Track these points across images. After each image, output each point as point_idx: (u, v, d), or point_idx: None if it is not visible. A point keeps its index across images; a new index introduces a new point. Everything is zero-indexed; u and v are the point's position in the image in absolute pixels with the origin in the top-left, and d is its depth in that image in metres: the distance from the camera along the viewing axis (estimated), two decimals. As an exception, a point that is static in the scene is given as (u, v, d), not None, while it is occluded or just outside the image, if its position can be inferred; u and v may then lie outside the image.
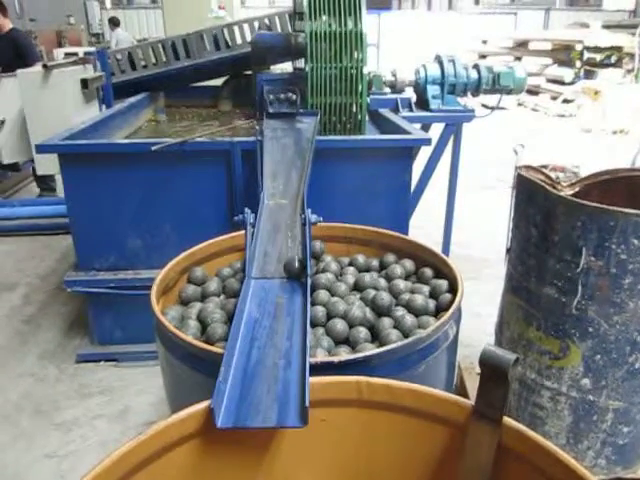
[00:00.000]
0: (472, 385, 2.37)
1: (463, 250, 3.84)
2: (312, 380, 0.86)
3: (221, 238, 1.57)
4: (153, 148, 2.35)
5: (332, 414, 0.87)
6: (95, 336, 2.80)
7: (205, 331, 1.22)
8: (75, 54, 3.49)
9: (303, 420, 0.80)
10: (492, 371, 0.73)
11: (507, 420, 0.77)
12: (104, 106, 3.52)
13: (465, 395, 2.29)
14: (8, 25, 4.85)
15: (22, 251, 4.14)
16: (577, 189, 2.04)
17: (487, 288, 3.09)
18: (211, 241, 1.55)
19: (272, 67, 3.79)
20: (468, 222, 4.31)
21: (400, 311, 1.30)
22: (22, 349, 2.91)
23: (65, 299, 3.33)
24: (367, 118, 2.80)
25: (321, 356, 1.08)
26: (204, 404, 0.81)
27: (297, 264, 1.19)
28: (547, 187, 1.79)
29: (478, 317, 2.70)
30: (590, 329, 1.73)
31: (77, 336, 2.98)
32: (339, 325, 1.22)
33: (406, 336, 1.19)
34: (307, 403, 0.79)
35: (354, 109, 2.58)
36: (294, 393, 0.85)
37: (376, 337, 1.24)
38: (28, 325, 3.14)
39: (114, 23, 11.03)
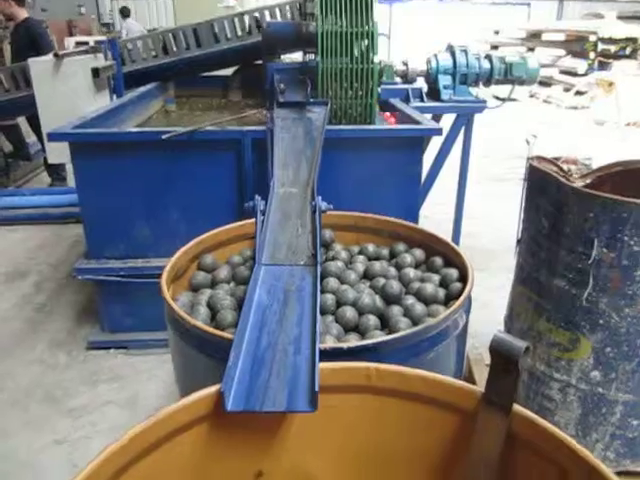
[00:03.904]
0: (481, 376, 2.37)
1: (472, 241, 3.82)
2: (321, 366, 0.86)
3: (231, 226, 1.57)
4: (163, 137, 2.35)
5: (341, 400, 0.87)
6: (105, 324, 2.83)
7: (215, 317, 1.23)
8: (86, 43, 3.49)
9: (313, 405, 0.80)
10: (502, 358, 0.73)
11: (517, 407, 0.77)
12: (115, 95, 3.53)
13: (473, 384, 2.28)
14: (24, 14, 4.86)
15: (33, 240, 4.17)
16: (589, 180, 2.02)
17: (496, 280, 3.08)
18: (221, 229, 1.55)
19: (282, 57, 3.78)
20: (478, 214, 4.29)
21: (410, 299, 1.30)
22: (33, 336, 2.94)
23: (76, 287, 3.36)
24: (377, 108, 2.78)
25: (331, 342, 1.09)
26: (214, 388, 0.81)
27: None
28: (559, 178, 1.77)
29: (487, 308, 2.69)
30: (601, 321, 1.72)
31: (87, 324, 3.01)
32: (349, 312, 1.22)
33: (416, 324, 1.19)
34: (317, 388, 0.79)
35: (365, 99, 2.57)
36: (304, 378, 0.85)
37: (385, 325, 1.24)
38: (39, 313, 3.17)
39: (124, 13, 11.03)
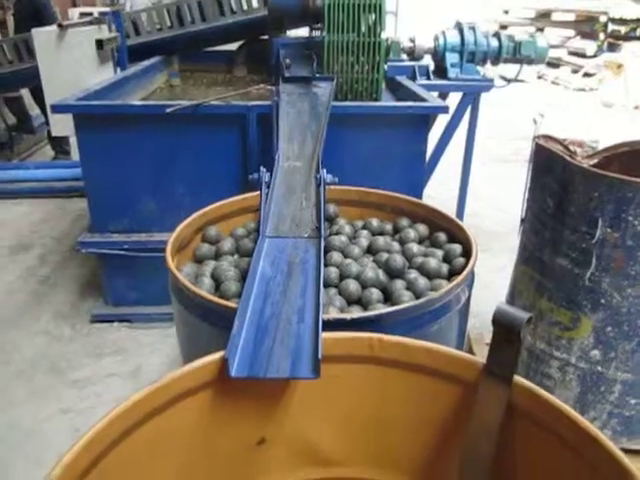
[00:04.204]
0: (481, 355, 2.39)
1: (476, 221, 3.82)
2: (324, 335, 0.86)
3: (235, 198, 1.57)
4: (168, 110, 2.34)
5: (344, 370, 0.88)
6: (109, 297, 2.84)
7: (219, 288, 1.24)
8: (90, 14, 3.45)
9: (316, 372, 0.81)
10: (505, 329, 0.73)
11: (517, 378, 0.77)
12: (118, 68, 3.50)
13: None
14: (27, -15, 4.80)
15: (37, 213, 4.18)
16: (596, 160, 2.01)
17: (498, 260, 3.08)
18: (225, 201, 1.55)
19: (288, 32, 3.73)
20: (482, 194, 4.27)
21: (413, 273, 1.30)
22: (37, 308, 2.97)
23: (79, 261, 3.38)
24: (383, 85, 2.76)
25: (334, 314, 1.09)
26: (218, 355, 0.82)
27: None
28: (565, 157, 1.76)
29: (489, 289, 2.70)
30: (602, 301, 1.72)
31: (91, 297, 3.03)
32: (352, 285, 1.22)
33: (419, 298, 1.19)
34: (320, 355, 0.80)
35: (371, 75, 2.54)
36: (307, 347, 0.86)
37: (388, 298, 1.25)
38: (43, 285, 3.19)
39: (129, -15, 10.86)
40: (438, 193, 3.97)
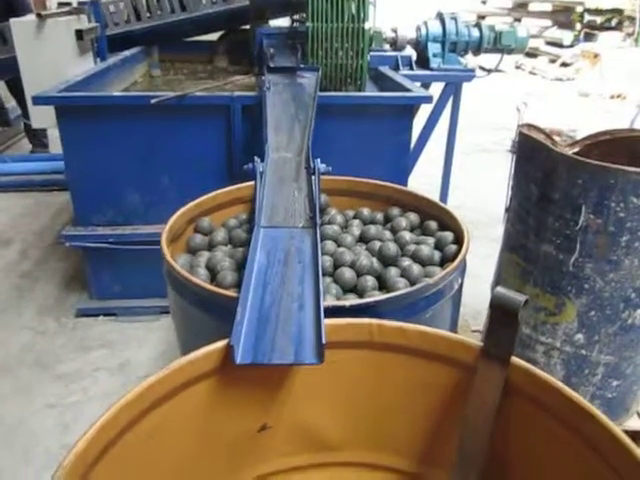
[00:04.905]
0: (466, 341, 2.43)
1: (457, 212, 3.86)
2: (325, 322, 0.88)
3: (228, 189, 1.57)
4: (152, 101, 2.32)
5: (344, 355, 0.90)
6: (93, 291, 2.82)
7: (214, 279, 1.24)
8: (69, 4, 3.39)
9: (320, 357, 0.83)
10: (502, 312, 0.75)
11: (514, 359, 0.80)
12: (99, 59, 3.44)
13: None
14: (-3, -26, 4.68)
15: (16, 208, 4.10)
16: (577, 149, 2.05)
17: (481, 250, 3.12)
18: (218, 192, 1.55)
19: (270, 22, 3.71)
20: (463, 184, 4.31)
21: (406, 261, 1.32)
22: (20, 303, 2.93)
23: (62, 255, 3.33)
24: (367, 76, 2.76)
25: (331, 301, 1.11)
26: (221, 343, 0.83)
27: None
28: (549, 145, 1.79)
29: (473, 277, 2.74)
30: (586, 286, 1.77)
31: (75, 291, 2.99)
32: (347, 274, 1.24)
33: (413, 285, 1.21)
34: (324, 340, 0.82)
35: (355, 60, 2.55)
36: (309, 333, 0.87)
37: (383, 286, 1.27)
38: (25, 280, 3.14)
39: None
40: (420, 184, 3.99)
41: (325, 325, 0.86)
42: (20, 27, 2.76)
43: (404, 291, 1.07)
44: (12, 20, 2.83)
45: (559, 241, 1.78)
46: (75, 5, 3.33)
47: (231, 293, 1.03)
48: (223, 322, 0.92)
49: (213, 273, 1.26)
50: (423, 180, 4.00)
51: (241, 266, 1.20)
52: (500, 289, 0.75)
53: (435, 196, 3.56)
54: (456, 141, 3.47)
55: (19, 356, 2.54)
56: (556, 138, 2.01)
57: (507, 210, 2.12)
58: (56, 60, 2.82)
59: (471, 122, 5.97)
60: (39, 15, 2.75)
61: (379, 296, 1.06)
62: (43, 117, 2.74)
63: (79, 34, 2.92)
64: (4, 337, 2.66)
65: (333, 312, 0.97)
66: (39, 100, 2.38)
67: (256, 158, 1.39)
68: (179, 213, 1.40)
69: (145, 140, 2.50)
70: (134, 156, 2.53)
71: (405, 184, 2.64)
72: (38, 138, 4.96)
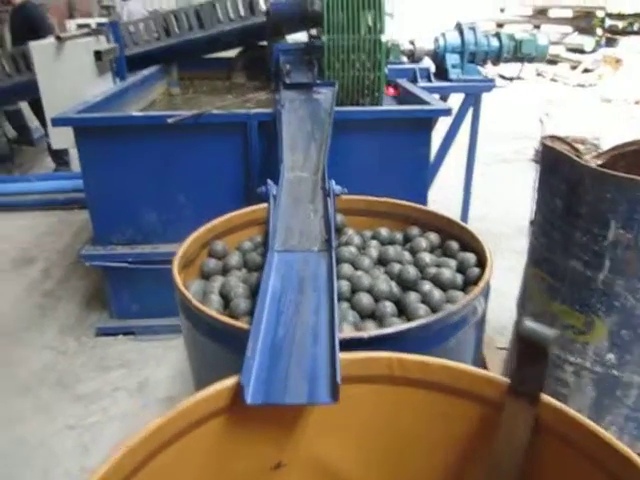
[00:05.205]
0: (491, 357, 2.36)
1: (480, 224, 3.78)
2: (342, 356, 0.83)
3: (243, 211, 1.54)
4: (169, 120, 2.31)
5: (362, 390, 0.85)
6: (113, 310, 2.82)
7: (228, 305, 1.21)
8: (87, 25, 3.43)
9: (334, 396, 0.78)
10: (531, 347, 0.70)
11: (544, 397, 0.75)
12: (117, 79, 3.48)
13: (484, 368, 2.27)
14: (20, -3, 4.80)
15: (40, 226, 4.16)
16: (603, 160, 1.98)
17: (505, 262, 3.04)
18: (232, 214, 1.52)
19: (287, 37, 3.71)
20: (484, 195, 4.24)
21: (427, 285, 1.27)
22: (42, 322, 2.95)
23: (83, 273, 3.35)
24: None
25: (348, 330, 1.06)
26: (232, 380, 0.80)
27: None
28: (574, 157, 1.73)
29: (497, 291, 2.67)
30: (616, 303, 1.69)
31: (96, 310, 3.00)
32: (365, 299, 1.19)
33: (434, 311, 1.16)
34: (338, 379, 0.77)
35: (372, 82, 2.52)
36: (324, 369, 0.83)
37: (403, 312, 1.22)
38: (48, 299, 3.17)
39: (125, -5, 10.86)
40: (440, 196, 3.93)
41: (342, 359, 0.82)
42: (39, 50, 2.81)
43: (425, 320, 1.02)
44: (31, 43, 2.88)
45: (587, 257, 1.71)
46: (94, 26, 3.37)
47: (244, 325, 0.99)
48: (236, 353, 0.88)
49: (227, 300, 1.23)
50: (443, 191, 3.94)
51: (255, 292, 1.16)
52: (528, 322, 0.70)
53: (456, 208, 3.51)
54: (477, 151, 3.41)
55: (40, 375, 2.55)
56: (579, 146, 1.94)
57: (532, 223, 2.05)
58: (75, 81, 2.86)
59: (491, 131, 5.90)
60: (58, 37, 2.79)
61: (399, 326, 1.01)
62: (63, 138, 2.77)
63: (98, 55, 2.95)
64: (27, 355, 2.67)
65: (351, 344, 0.92)
66: (58, 121, 2.40)
67: (269, 181, 1.36)
68: (192, 238, 1.37)
69: (163, 159, 2.51)
70: (152, 175, 2.53)
71: (425, 198, 2.59)
72: (61, 157, 5.04)
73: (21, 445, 2.13)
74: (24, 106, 5.43)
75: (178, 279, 1.16)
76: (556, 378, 1.90)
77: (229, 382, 0.79)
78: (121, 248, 2.63)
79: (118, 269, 2.63)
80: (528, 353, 0.71)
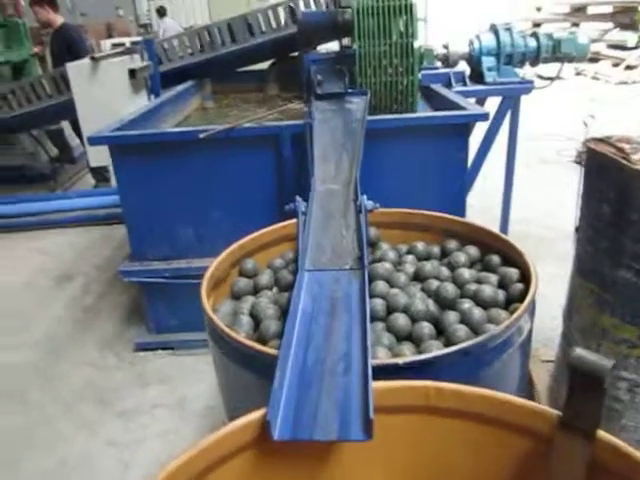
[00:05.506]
0: (537, 372, 2.25)
1: (521, 228, 3.65)
2: (375, 385, 0.78)
3: (272, 228, 1.51)
4: (201, 135, 2.31)
5: (398, 421, 0.80)
6: (151, 325, 2.83)
7: (258, 327, 1.17)
8: (122, 44, 3.50)
9: (367, 433, 0.73)
10: (584, 378, 0.64)
11: (601, 433, 0.67)
12: (152, 95, 3.52)
13: (531, 383, 2.17)
14: (59, 20, 4.95)
15: (81, 242, 4.23)
16: (653, 161, 1.87)
17: (549, 268, 2.92)
18: (261, 232, 1.49)
19: (319, 48, 3.69)
20: (526, 198, 4.09)
21: (467, 303, 1.20)
22: (82, 338, 2.98)
23: (122, 288, 3.39)
24: (419, 95, 2.67)
25: (383, 354, 1.01)
26: (259, 413, 0.75)
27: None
28: (621, 161, 1.63)
29: (541, 300, 2.56)
30: (672, 315, 1.58)
31: (134, 325, 3.02)
32: (401, 320, 1.13)
33: (474, 331, 1.09)
34: (371, 415, 0.72)
35: (405, 87, 2.46)
36: (356, 401, 0.78)
37: (441, 333, 1.15)
38: (87, 314, 3.21)
39: (161, 12, 11.13)
40: (478, 201, 3.83)
41: (375, 388, 0.76)
42: (75, 70, 2.86)
43: (466, 344, 0.95)
44: (68, 64, 2.94)
45: (638, 266, 1.61)
46: (128, 45, 3.42)
47: (273, 350, 0.95)
48: (265, 379, 0.84)
49: (257, 321, 1.19)
50: (482, 196, 3.84)
51: (287, 313, 1.12)
52: (580, 351, 0.64)
53: (496, 212, 3.39)
54: (516, 153, 3.30)
55: (80, 392, 2.57)
56: (624, 146, 1.84)
57: (577, 230, 1.95)
58: (110, 100, 2.90)
59: (531, 133, 5.73)
60: (93, 58, 2.83)
61: (437, 350, 0.95)
62: (99, 156, 2.81)
63: (132, 73, 2.99)
64: (67, 371, 2.71)
65: (386, 370, 0.87)
66: (94, 140, 2.44)
67: (297, 197, 1.32)
68: (221, 257, 1.34)
69: (197, 174, 2.51)
70: (187, 190, 2.54)
71: (463, 207, 2.51)
72: (100, 173, 5.14)
73: (63, 464, 2.15)
74: (65, 125, 5.58)
75: (206, 302, 1.13)
76: (609, 395, 1.79)
77: (256, 415, 0.75)
78: (157, 264, 2.64)
79: (155, 284, 2.64)
80: (581, 385, 0.64)
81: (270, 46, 3.74)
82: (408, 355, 1.01)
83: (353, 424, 0.74)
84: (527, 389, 1.56)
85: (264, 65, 4.17)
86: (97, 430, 2.33)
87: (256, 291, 1.35)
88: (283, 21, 3.66)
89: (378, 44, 2.41)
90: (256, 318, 1.19)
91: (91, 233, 4.37)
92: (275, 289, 1.36)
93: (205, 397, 2.49)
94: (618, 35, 10.38)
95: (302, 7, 3.60)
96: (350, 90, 2.37)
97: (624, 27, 10.39)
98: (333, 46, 3.87)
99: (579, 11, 11.91)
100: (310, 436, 0.73)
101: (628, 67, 9.36)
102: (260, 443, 0.75)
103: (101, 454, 2.20)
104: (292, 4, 3.59)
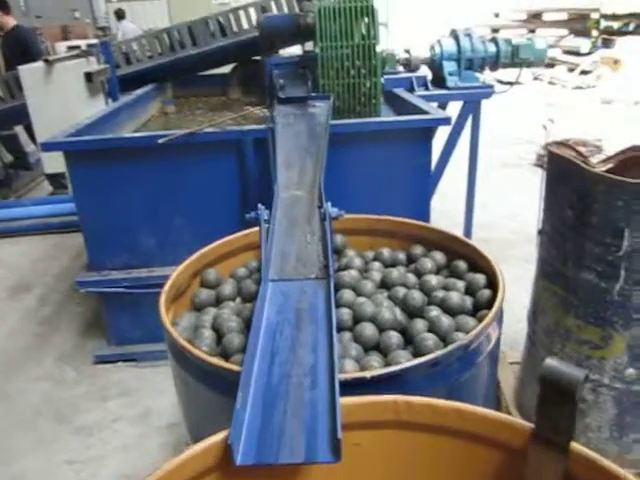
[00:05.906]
0: (505, 375, 2.26)
1: (484, 231, 3.69)
2: (344, 401, 0.75)
3: (234, 236, 1.46)
4: (160, 141, 2.25)
5: (367, 437, 0.77)
6: (112, 336, 2.74)
7: (221, 341, 1.12)
8: (78, 47, 3.39)
9: (335, 454, 0.69)
10: (556, 389, 0.62)
11: (575, 446, 0.66)
12: (110, 100, 3.42)
13: (497, 386, 2.18)
14: (11, 22, 4.81)
15: (36, 251, 4.09)
16: (610, 165, 1.90)
17: (512, 270, 2.95)
18: (224, 240, 1.44)
19: (281, 51, 3.66)
20: (487, 202, 4.15)
21: (434, 311, 1.18)
22: (39, 351, 2.87)
23: (80, 299, 3.28)
24: (382, 99, 2.67)
25: (350, 367, 0.97)
26: (221, 435, 0.71)
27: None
28: (582, 164, 1.65)
29: (506, 302, 2.59)
30: (635, 316, 1.61)
31: (94, 337, 2.92)
32: (368, 330, 1.10)
33: (443, 339, 1.07)
34: (339, 435, 0.69)
35: (368, 89, 2.46)
36: (323, 419, 0.74)
37: (409, 341, 1.13)
38: (44, 327, 3.09)
39: (119, 15, 10.92)
40: (442, 204, 3.85)
41: (343, 405, 0.73)
42: (28, 73, 2.76)
43: (434, 355, 0.92)
44: (20, 67, 2.83)
45: (600, 268, 1.63)
46: (84, 47, 3.32)
47: (235, 367, 0.90)
48: (228, 397, 0.80)
49: (219, 334, 1.14)
50: (445, 199, 3.86)
51: (250, 325, 1.08)
52: (552, 362, 0.62)
53: (459, 216, 3.42)
54: (478, 157, 3.33)
55: (38, 407, 2.47)
56: (581, 149, 1.87)
57: (539, 232, 1.97)
58: (66, 104, 2.80)
59: (492, 137, 5.82)
60: (46, 60, 2.73)
61: (406, 362, 0.92)
62: (55, 162, 2.71)
63: (88, 76, 2.90)
64: (23, 387, 2.60)
65: (353, 385, 0.84)
66: (47, 146, 2.34)
67: (259, 205, 1.28)
68: (181, 268, 1.29)
69: (157, 181, 2.44)
70: (146, 197, 2.46)
71: (427, 209, 2.51)
72: (58, 180, 4.98)
73: (19, 484, 2.05)
74: (20, 130, 5.40)
75: (164, 315, 1.08)
76: (573, 395, 1.81)
77: (218, 438, 0.71)
78: (117, 273, 2.55)
79: (115, 294, 2.55)
80: (553, 396, 0.63)
81: (232, 49, 3.69)
82: (376, 367, 0.98)
83: (320, 445, 0.71)
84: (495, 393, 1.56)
85: (226, 69, 4.11)
86: (55, 447, 2.24)
87: (218, 302, 1.30)
88: (245, 24, 3.61)
89: (340, 46, 2.40)
90: (218, 331, 1.15)
91: (46, 242, 4.22)
92: (238, 299, 1.31)
93: (169, 410, 2.41)
94: (573, 41, 10.70)
95: (263, 11, 3.56)
96: (313, 94, 2.35)
97: (578, 34, 10.71)
98: (296, 50, 3.86)
99: (535, 18, 12.24)
100: (276, 459, 0.69)
101: (583, 72, 9.64)
102: (223, 467, 0.71)
103: (59, 473, 2.12)
104: (253, 8, 3.56)
